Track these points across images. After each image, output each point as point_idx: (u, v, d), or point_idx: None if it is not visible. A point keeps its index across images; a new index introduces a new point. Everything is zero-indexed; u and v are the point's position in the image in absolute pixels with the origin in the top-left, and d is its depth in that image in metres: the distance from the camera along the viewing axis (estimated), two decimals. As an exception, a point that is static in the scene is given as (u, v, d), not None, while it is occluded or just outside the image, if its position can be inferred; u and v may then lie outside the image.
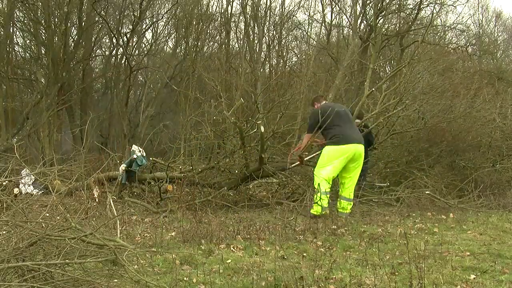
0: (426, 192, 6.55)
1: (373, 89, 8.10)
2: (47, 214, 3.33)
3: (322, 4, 19.57)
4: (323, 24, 20.17)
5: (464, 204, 6.48)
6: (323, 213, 5.66)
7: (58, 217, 3.23)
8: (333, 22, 20.36)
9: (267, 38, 19.67)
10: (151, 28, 18.38)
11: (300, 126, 16.05)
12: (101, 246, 2.97)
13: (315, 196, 5.81)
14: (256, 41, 18.49)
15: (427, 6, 17.13)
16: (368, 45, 17.59)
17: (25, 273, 2.58)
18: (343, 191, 6.06)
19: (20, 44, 16.36)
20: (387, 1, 17.04)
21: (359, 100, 8.20)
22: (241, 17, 18.80)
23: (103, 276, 2.91)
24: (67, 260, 2.70)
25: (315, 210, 5.71)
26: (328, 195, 5.87)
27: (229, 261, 3.67)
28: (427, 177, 6.98)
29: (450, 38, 19.41)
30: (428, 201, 6.51)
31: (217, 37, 19.59)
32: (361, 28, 17.64)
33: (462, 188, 6.98)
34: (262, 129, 6.39)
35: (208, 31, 18.88)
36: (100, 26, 16.68)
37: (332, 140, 5.92)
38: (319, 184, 5.80)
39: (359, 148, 5.95)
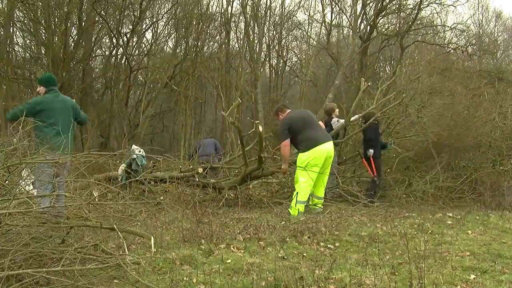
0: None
1: (369, 83, 8.11)
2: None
3: (322, 4, 19.62)
4: (323, 24, 20.21)
5: (460, 205, 6.50)
6: (299, 217, 5.75)
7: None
8: (333, 22, 20.40)
9: (267, 38, 19.73)
10: (151, 28, 18.41)
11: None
12: (107, 253, 3.01)
13: (292, 201, 6.05)
14: (256, 41, 18.50)
15: (427, 6, 17.15)
16: (368, 45, 17.60)
17: (24, 278, 2.58)
18: (314, 189, 6.26)
19: (20, 44, 16.38)
20: (387, 1, 17.04)
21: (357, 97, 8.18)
22: (241, 17, 18.84)
23: (104, 279, 2.92)
24: (67, 267, 2.70)
25: (293, 213, 5.92)
26: (305, 204, 6.07)
27: (229, 261, 3.67)
28: (427, 174, 6.98)
29: (450, 38, 19.44)
30: (428, 201, 6.52)
31: (217, 37, 19.62)
32: (361, 28, 17.65)
33: (462, 189, 6.98)
34: (260, 128, 6.39)
35: (208, 31, 18.89)
36: (100, 26, 16.69)
37: (302, 146, 6.17)
38: (297, 193, 6.01)
39: (329, 147, 6.17)
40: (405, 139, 7.96)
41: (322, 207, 6.30)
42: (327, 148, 6.14)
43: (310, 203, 6.29)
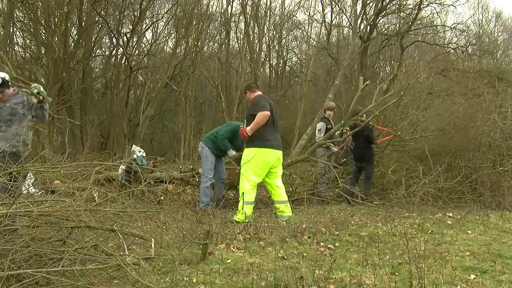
0: None
1: (367, 82, 8.10)
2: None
3: (322, 4, 19.59)
4: (323, 24, 20.20)
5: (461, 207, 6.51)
6: (246, 221, 5.39)
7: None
8: (333, 22, 20.39)
9: (267, 38, 19.70)
10: (151, 28, 18.43)
11: (299, 125, 16.07)
12: (108, 254, 3.01)
13: (240, 204, 5.58)
14: (256, 41, 18.49)
15: (427, 6, 17.15)
16: (368, 45, 17.60)
17: (25, 279, 2.58)
18: (274, 195, 5.86)
19: (20, 44, 16.39)
20: (387, 1, 17.05)
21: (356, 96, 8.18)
22: (241, 17, 18.82)
23: (104, 279, 2.92)
24: (67, 268, 2.70)
25: (239, 217, 5.46)
26: (253, 205, 5.69)
27: (229, 261, 3.67)
28: (427, 175, 6.98)
29: (450, 38, 19.46)
30: (428, 202, 6.52)
31: (217, 37, 19.62)
32: (361, 28, 17.65)
33: (462, 189, 6.98)
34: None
35: (208, 31, 18.89)
36: (100, 26, 16.70)
37: (256, 142, 5.69)
38: (243, 193, 5.58)
39: (280, 155, 5.82)
40: (405, 140, 7.96)
41: (288, 212, 5.74)
42: (279, 156, 5.81)
43: (276, 210, 5.80)
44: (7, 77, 4.40)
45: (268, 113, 5.63)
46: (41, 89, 4.49)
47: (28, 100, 4.54)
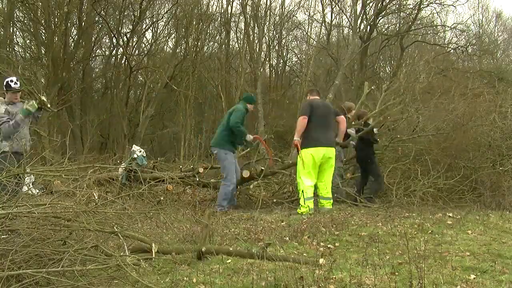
0: None
1: (372, 87, 8.11)
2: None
3: (322, 4, 19.61)
4: (323, 24, 20.20)
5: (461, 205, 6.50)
6: (310, 213, 5.96)
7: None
8: (333, 22, 20.39)
9: (267, 38, 19.70)
10: (151, 28, 18.42)
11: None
12: (108, 255, 3.01)
13: (301, 200, 6.15)
14: (256, 41, 18.49)
15: (427, 6, 17.17)
16: (368, 45, 17.62)
17: (25, 279, 2.59)
18: (319, 191, 6.39)
19: (20, 44, 16.39)
20: (387, 1, 17.05)
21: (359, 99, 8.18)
22: (241, 17, 18.82)
23: (104, 279, 2.92)
24: (67, 268, 2.70)
25: (303, 211, 6.04)
26: (313, 200, 6.24)
27: (229, 261, 3.67)
28: (427, 175, 6.97)
29: (450, 38, 19.47)
30: (428, 202, 6.52)
31: (217, 37, 19.62)
32: (361, 28, 17.65)
33: (462, 189, 6.97)
34: (261, 128, 6.42)
35: (208, 31, 18.89)
36: (100, 26, 16.70)
37: (305, 143, 6.26)
38: (302, 191, 6.14)
39: (328, 151, 6.28)
40: (405, 140, 7.95)
41: (331, 206, 6.34)
42: (327, 152, 6.29)
43: (318, 203, 6.37)
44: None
45: (302, 118, 6.27)
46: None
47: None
